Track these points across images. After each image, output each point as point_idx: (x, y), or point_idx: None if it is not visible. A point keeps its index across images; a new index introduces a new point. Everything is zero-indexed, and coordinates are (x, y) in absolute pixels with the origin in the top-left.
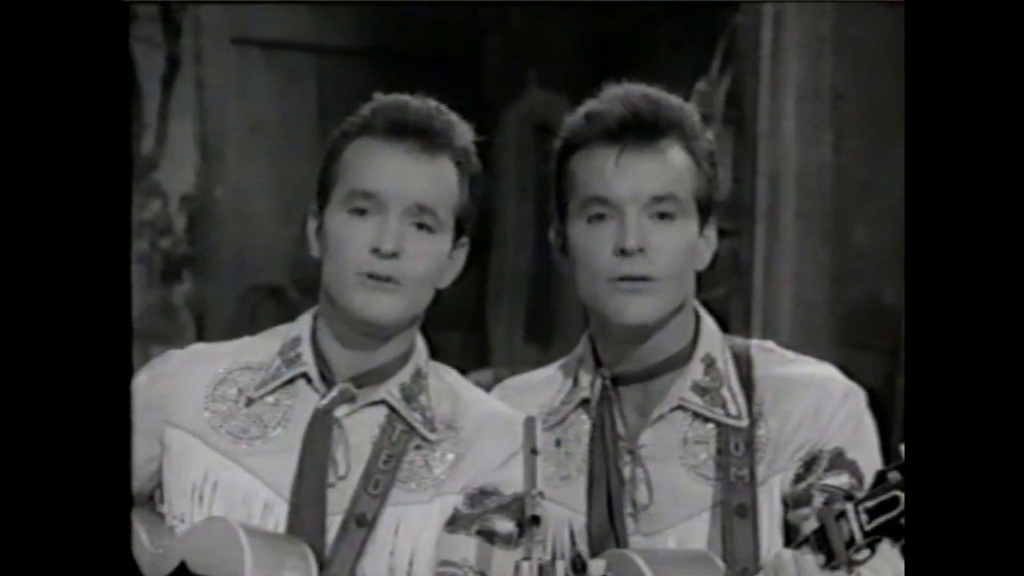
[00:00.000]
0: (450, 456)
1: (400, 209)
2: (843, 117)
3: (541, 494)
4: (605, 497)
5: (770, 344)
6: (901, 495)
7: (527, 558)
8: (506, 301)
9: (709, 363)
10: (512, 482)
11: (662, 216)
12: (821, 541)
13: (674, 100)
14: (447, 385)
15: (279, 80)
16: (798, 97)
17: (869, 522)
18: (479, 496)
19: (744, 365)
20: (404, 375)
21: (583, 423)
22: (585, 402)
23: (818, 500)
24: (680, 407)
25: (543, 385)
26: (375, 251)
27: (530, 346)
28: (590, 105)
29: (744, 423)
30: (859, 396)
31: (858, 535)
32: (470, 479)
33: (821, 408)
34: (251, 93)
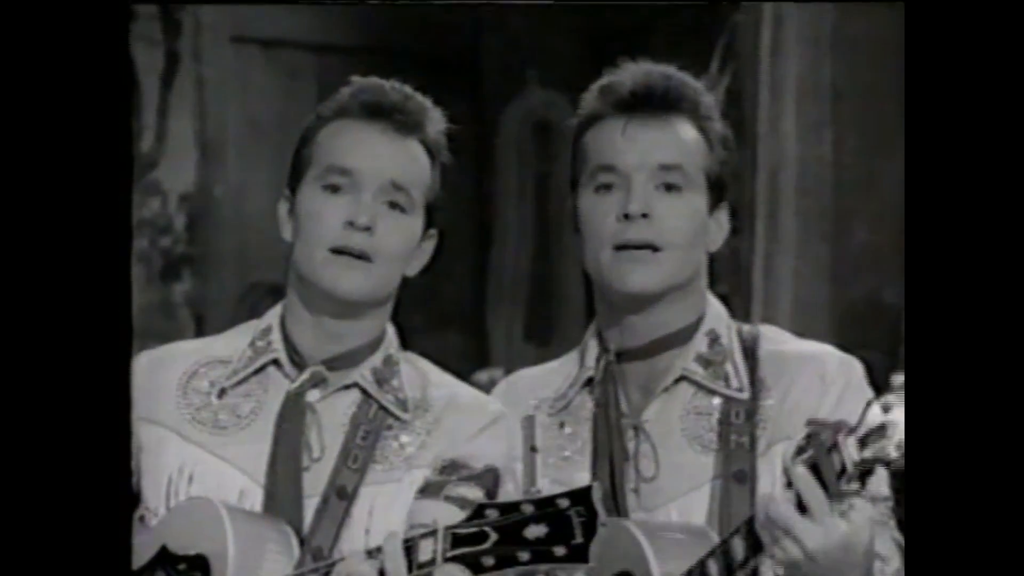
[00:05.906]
0: (420, 435)
1: (375, 186)
2: (842, 115)
3: (539, 492)
4: (608, 473)
5: (775, 328)
6: (892, 422)
7: None
8: (506, 301)
9: (714, 338)
10: (481, 456)
11: (669, 187)
12: (814, 473)
13: (690, 79)
14: (417, 370)
15: (278, 78)
16: (798, 95)
17: (860, 451)
18: (449, 468)
19: (750, 343)
20: (376, 360)
21: (588, 403)
22: (590, 382)
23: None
24: (683, 378)
25: (549, 376)
26: (349, 224)
27: (530, 346)
28: (605, 78)
29: (745, 395)
30: (855, 366)
31: (849, 465)
32: (439, 452)
33: (820, 378)
34: (250, 91)
